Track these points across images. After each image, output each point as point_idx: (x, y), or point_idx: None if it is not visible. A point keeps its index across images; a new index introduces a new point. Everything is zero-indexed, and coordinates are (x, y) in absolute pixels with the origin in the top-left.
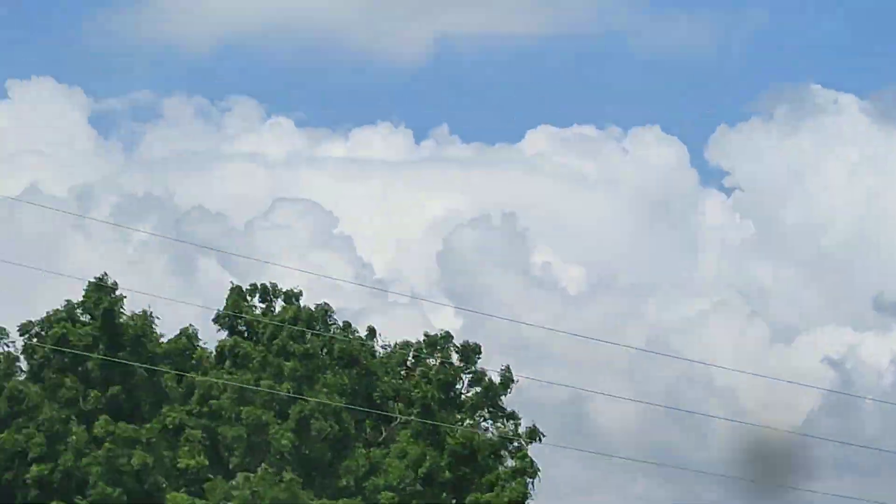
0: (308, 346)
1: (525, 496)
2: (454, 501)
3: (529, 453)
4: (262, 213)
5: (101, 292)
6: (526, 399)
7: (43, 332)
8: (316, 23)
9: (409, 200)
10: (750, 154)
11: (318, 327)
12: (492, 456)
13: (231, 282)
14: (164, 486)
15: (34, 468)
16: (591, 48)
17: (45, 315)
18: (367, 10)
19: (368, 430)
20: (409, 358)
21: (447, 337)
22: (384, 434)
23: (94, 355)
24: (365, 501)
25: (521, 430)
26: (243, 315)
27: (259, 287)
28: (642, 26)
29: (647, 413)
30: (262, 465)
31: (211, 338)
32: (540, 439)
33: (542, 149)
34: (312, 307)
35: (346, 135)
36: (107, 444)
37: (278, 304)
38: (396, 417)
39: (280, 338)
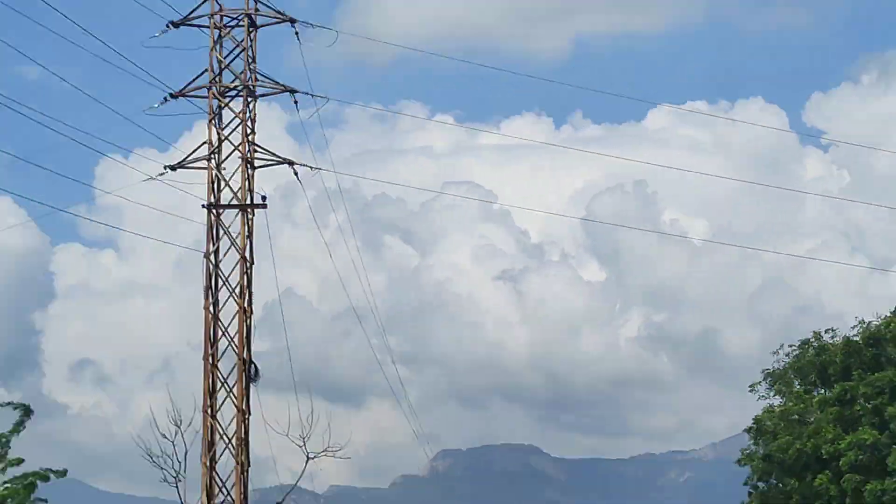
0: None
1: None
2: None
3: None
4: (433, 195)
5: None
6: None
7: None
8: (468, 30)
9: (554, 176)
10: (843, 115)
11: None
12: None
13: None
14: None
15: None
16: (699, 37)
17: None
18: (512, 17)
19: None
20: None
21: None
22: None
23: None
24: None
25: None
26: None
27: None
28: (745, 13)
29: None
30: None
31: None
32: None
33: (663, 124)
34: None
35: (498, 125)
36: None
37: None
38: None
39: None
